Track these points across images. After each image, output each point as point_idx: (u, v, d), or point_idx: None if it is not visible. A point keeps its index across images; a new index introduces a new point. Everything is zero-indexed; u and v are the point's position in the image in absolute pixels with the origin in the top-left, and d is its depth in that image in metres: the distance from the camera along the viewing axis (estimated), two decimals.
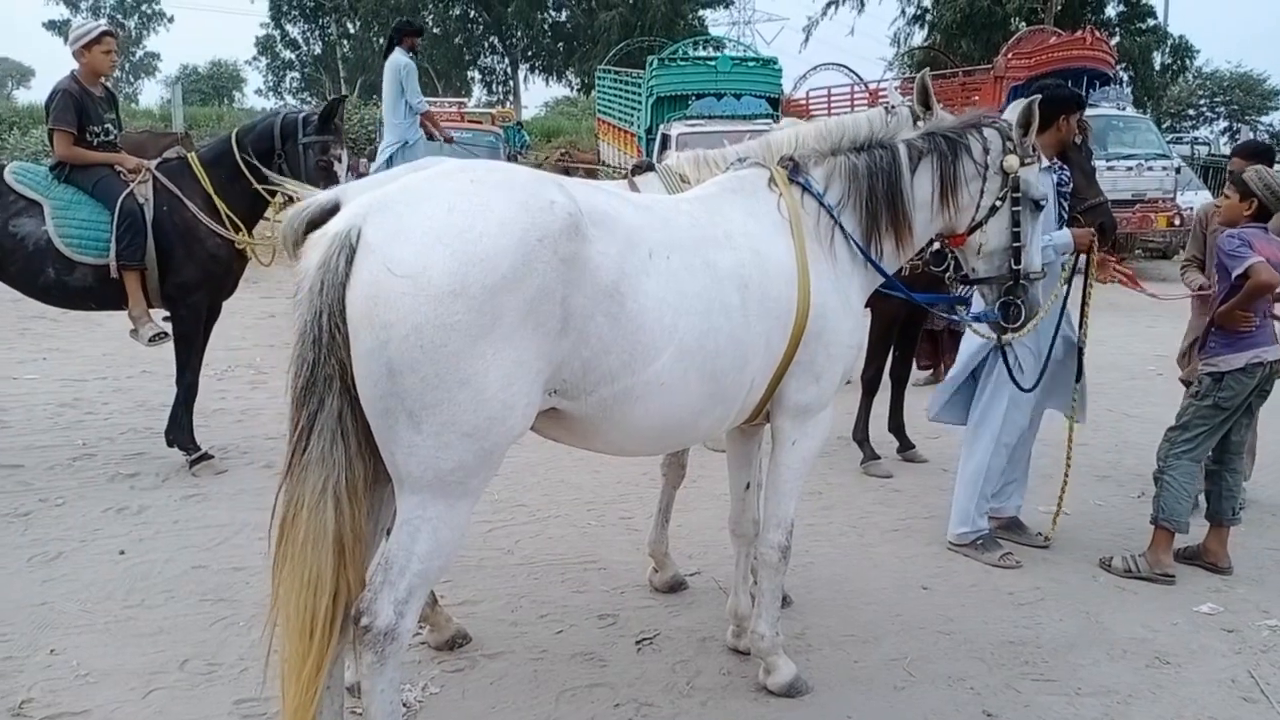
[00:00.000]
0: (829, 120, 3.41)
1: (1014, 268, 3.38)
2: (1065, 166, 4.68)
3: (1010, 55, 17.18)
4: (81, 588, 4.04)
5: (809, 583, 4.31)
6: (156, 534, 4.64)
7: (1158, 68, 31.08)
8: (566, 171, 14.32)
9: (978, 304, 3.73)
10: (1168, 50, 31.53)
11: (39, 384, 7.42)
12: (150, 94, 56.14)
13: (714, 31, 40.99)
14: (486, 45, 44.50)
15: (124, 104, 7.08)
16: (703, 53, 23.95)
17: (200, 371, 5.76)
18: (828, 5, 33.45)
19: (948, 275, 3.68)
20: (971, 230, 3.36)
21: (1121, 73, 25.41)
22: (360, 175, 8.13)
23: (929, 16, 32.02)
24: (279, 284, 9.49)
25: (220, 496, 5.16)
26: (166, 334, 5.57)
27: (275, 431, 6.27)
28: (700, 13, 41.79)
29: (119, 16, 50.67)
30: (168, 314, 5.64)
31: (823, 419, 3.26)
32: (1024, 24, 25.31)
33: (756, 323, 2.89)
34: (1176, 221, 15.60)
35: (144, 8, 54.55)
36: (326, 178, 5.30)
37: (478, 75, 45.88)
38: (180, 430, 5.61)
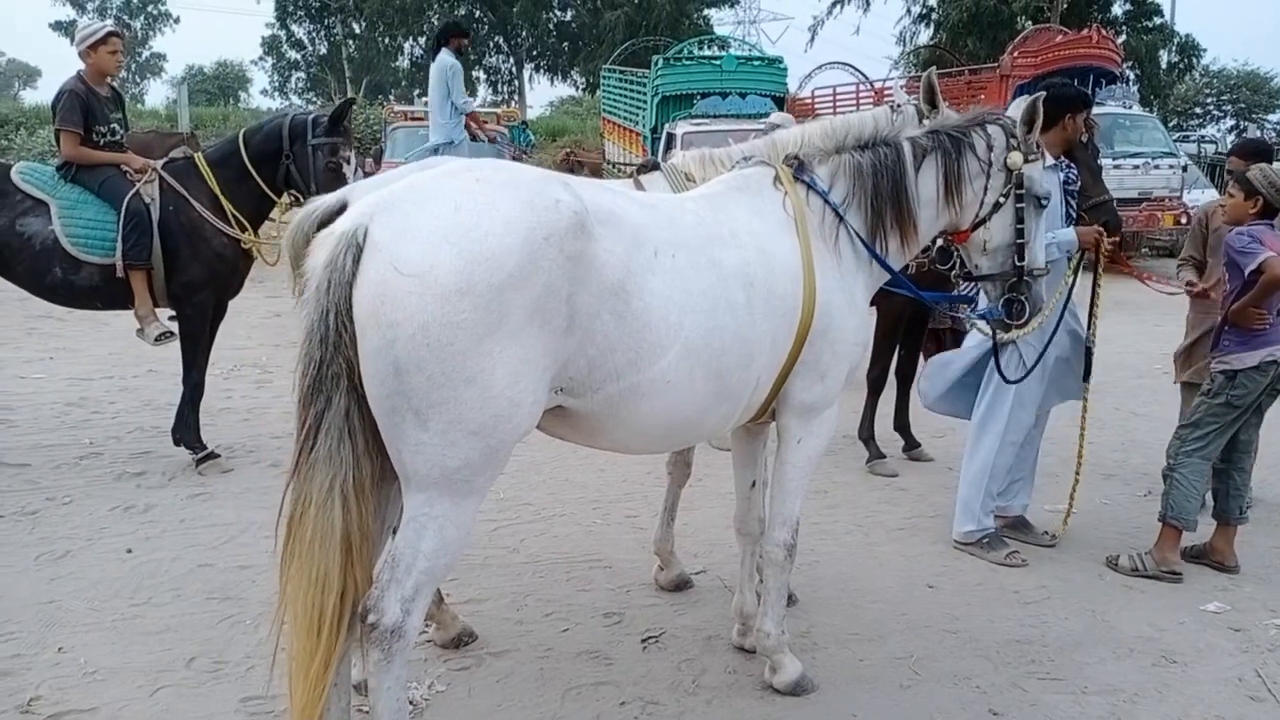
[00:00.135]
0: (834, 119, 3.41)
1: (1018, 264, 3.38)
2: (1072, 165, 4.67)
3: (1016, 54, 17.15)
4: (89, 586, 4.05)
5: (814, 581, 4.31)
6: (163, 532, 4.65)
7: (1164, 66, 31.03)
8: (572, 171, 14.34)
9: (983, 302, 3.72)
10: (1174, 48, 31.47)
11: (46, 383, 7.45)
12: (156, 94, 56.40)
13: (719, 31, 41.05)
14: (492, 45, 44.52)
15: (130, 104, 7.10)
16: (708, 52, 23.97)
17: (206, 370, 5.78)
18: (833, 4, 33.41)
19: (954, 273, 3.68)
20: (975, 227, 3.36)
21: (1128, 71, 25.35)
22: (368, 175, 8.16)
23: (935, 15, 31.99)
24: (285, 283, 9.50)
25: (226, 495, 5.17)
26: (172, 333, 5.58)
27: (281, 430, 6.28)
28: (705, 12, 41.77)
29: (125, 17, 50.81)
30: (173, 313, 5.66)
31: (828, 417, 3.26)
32: (1030, 22, 25.28)
33: (762, 321, 2.89)
34: (1183, 220, 15.53)
35: (150, 8, 54.74)
36: (335, 179, 5.32)
37: (483, 75, 45.90)
38: (187, 429, 5.63)
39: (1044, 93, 3.47)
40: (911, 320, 6.13)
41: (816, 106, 20.49)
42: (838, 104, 20.14)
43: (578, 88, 43.91)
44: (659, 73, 17.69)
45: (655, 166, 4.17)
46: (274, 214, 5.88)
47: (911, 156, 3.23)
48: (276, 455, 5.75)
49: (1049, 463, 5.34)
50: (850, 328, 3.14)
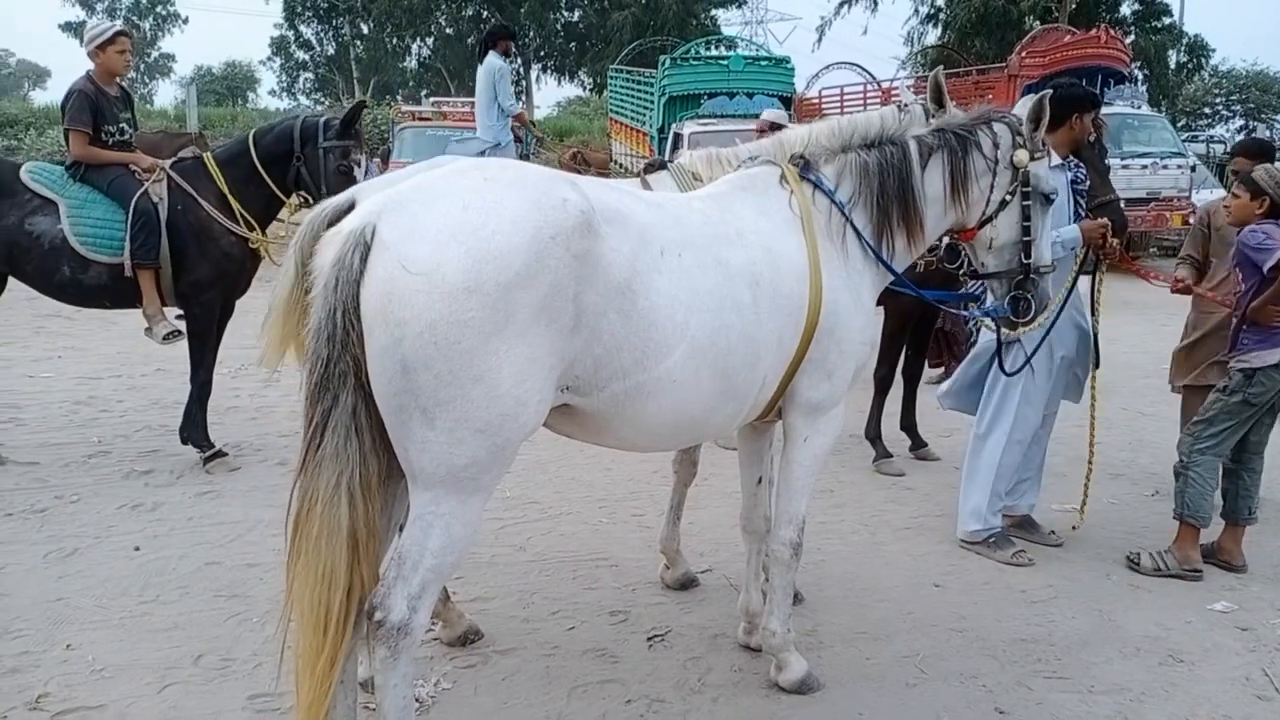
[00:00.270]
0: (841, 118, 3.41)
1: (1024, 262, 3.38)
2: (1081, 165, 4.66)
3: (1024, 54, 17.11)
4: (97, 584, 4.07)
5: (821, 580, 4.31)
6: (171, 530, 4.67)
7: (1173, 66, 30.95)
8: (578, 171, 14.33)
9: (990, 300, 3.72)
10: (1183, 48, 31.38)
11: (54, 382, 7.48)
12: (165, 95, 56.57)
13: (726, 31, 41.03)
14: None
15: (139, 105, 7.16)
16: (715, 52, 23.93)
17: (214, 369, 5.79)
18: (841, 4, 33.42)
19: (962, 272, 3.67)
20: (982, 225, 3.36)
21: (1136, 71, 25.28)
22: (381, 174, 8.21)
23: (943, 15, 31.94)
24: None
25: (234, 493, 5.19)
26: (180, 332, 5.60)
27: (288, 429, 6.30)
28: (713, 12, 41.80)
29: (134, 18, 50.96)
30: (181, 312, 5.68)
31: (835, 416, 3.26)
32: (1038, 22, 25.21)
33: (768, 320, 2.89)
34: (1191, 220, 15.51)
35: (158, 9, 54.87)
36: (346, 182, 5.32)
37: None
38: (194, 428, 5.65)
39: (1050, 90, 3.46)
40: (920, 320, 6.13)
41: (824, 107, 20.44)
42: (845, 104, 20.08)
43: (585, 88, 43.98)
44: (666, 73, 17.69)
45: (662, 166, 4.17)
46: (283, 214, 5.90)
47: (917, 155, 3.23)
48: (284, 454, 5.77)
49: (1056, 462, 5.33)
50: (857, 326, 3.14)
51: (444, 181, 2.42)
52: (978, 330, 4.92)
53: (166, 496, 5.13)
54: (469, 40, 43.16)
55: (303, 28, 47.45)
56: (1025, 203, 3.32)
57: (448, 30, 43.66)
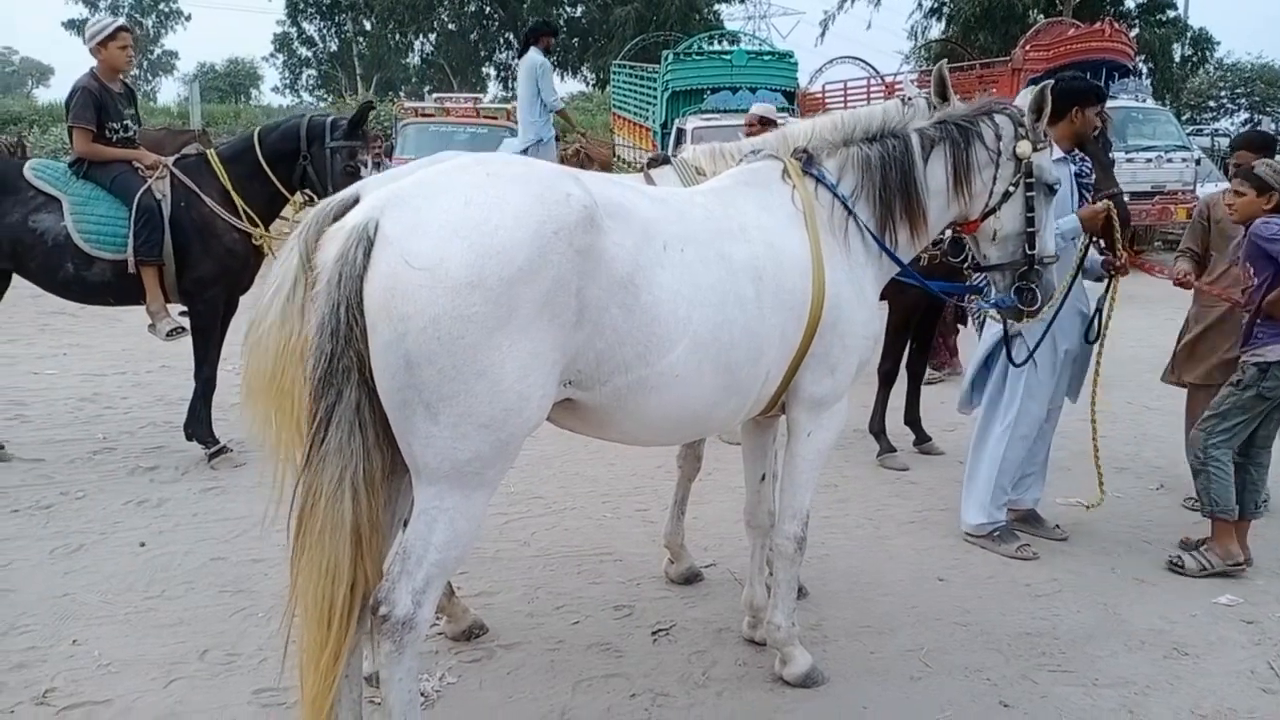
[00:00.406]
0: (844, 112, 3.40)
1: (1028, 253, 3.37)
2: (1086, 158, 4.64)
3: (1028, 47, 17.08)
4: (102, 579, 4.08)
5: (825, 574, 4.31)
6: (176, 526, 4.68)
7: (1177, 59, 30.86)
8: (581, 166, 14.32)
9: (994, 292, 3.70)
10: (1187, 42, 31.27)
11: (59, 379, 7.49)
12: (168, 92, 56.65)
13: (729, 26, 40.96)
14: (502, 41, 44.57)
15: (142, 102, 7.17)
16: (718, 47, 23.91)
17: (218, 366, 5.80)
18: None
19: (966, 266, 3.66)
20: (985, 216, 3.35)
21: (1141, 64, 25.21)
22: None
23: (946, 9, 31.87)
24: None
25: (239, 489, 5.19)
26: (184, 329, 5.61)
27: None
28: (716, 7, 41.77)
29: (137, 15, 50.99)
30: (185, 309, 5.69)
31: (838, 410, 3.26)
32: (1042, 16, 25.14)
33: (771, 315, 2.89)
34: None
35: (161, 6, 54.93)
36: (352, 182, 5.33)
37: (493, 71, 45.98)
38: (199, 424, 5.66)
39: (1051, 81, 3.45)
40: (924, 314, 6.12)
41: (827, 101, 20.42)
42: (848, 99, 20.06)
43: (588, 84, 43.94)
44: (669, 68, 17.67)
45: (666, 160, 4.17)
46: (286, 211, 5.90)
47: (920, 147, 3.22)
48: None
49: (1060, 456, 5.32)
50: (860, 321, 3.14)
51: (446, 177, 2.43)
52: (982, 323, 4.90)
53: (171, 492, 5.14)
54: (471, 36, 43.22)
55: (305, 24, 47.52)
56: (1029, 194, 3.31)
57: (450, 26, 43.68)
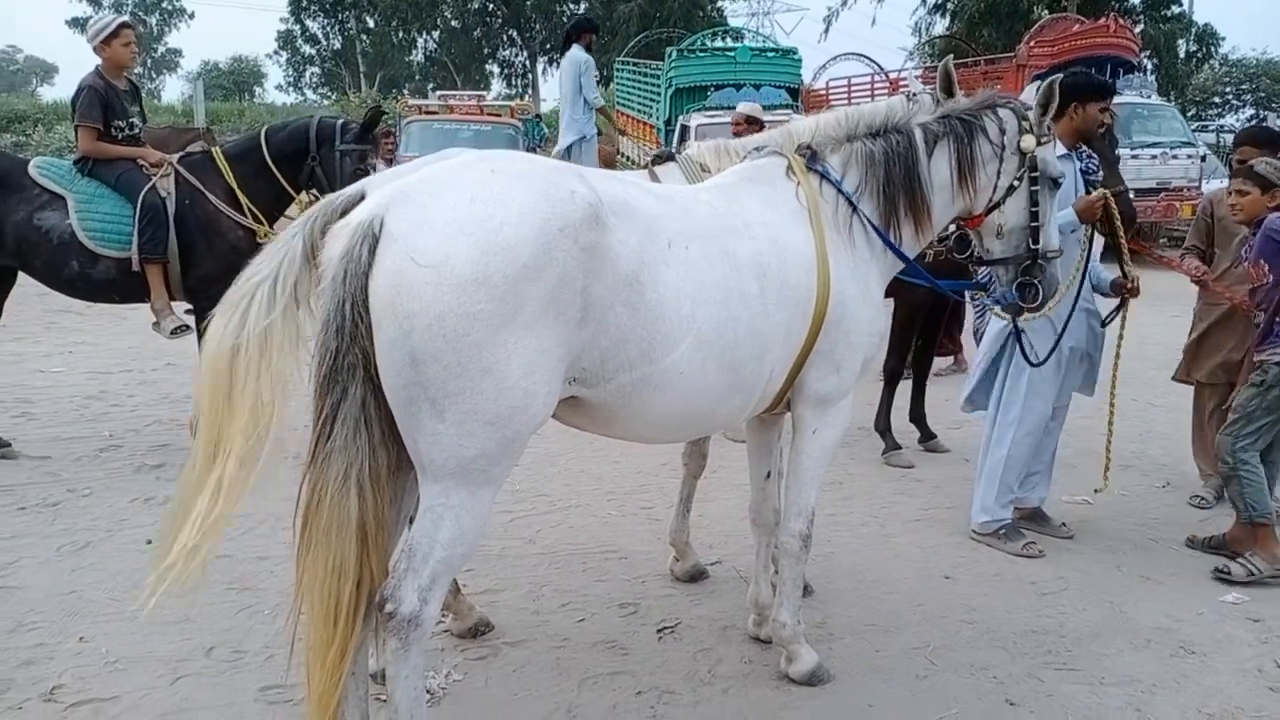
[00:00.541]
0: (848, 108, 3.39)
1: (1032, 247, 3.36)
2: (1093, 155, 4.62)
3: (1033, 43, 17.07)
4: (109, 577, 4.08)
5: (830, 572, 4.30)
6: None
7: (1182, 55, 30.77)
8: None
9: (997, 287, 3.69)
10: (1192, 37, 31.20)
11: (65, 377, 7.51)
12: (172, 90, 56.79)
13: (733, 22, 40.96)
14: (505, 38, 44.60)
15: (146, 100, 7.17)
16: (721, 44, 23.91)
17: None
18: None
19: (971, 262, 3.65)
20: (989, 211, 3.34)
21: (1146, 61, 25.15)
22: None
23: (950, 5, 31.81)
24: None
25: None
26: (189, 326, 5.62)
27: (297, 423, 6.30)
28: (719, 3, 41.73)
29: (140, 13, 51.06)
30: (190, 307, 5.69)
31: (843, 408, 3.26)
32: (1047, 12, 25.09)
33: (776, 312, 2.88)
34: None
35: (165, 4, 55.02)
36: None
37: (496, 69, 46.01)
38: None
39: (1060, 75, 3.44)
40: (929, 312, 6.11)
41: (831, 98, 20.41)
42: (852, 95, 20.07)
43: None
44: (673, 65, 17.68)
45: (670, 158, 4.17)
46: (292, 210, 5.91)
47: (923, 142, 3.21)
48: (293, 447, 5.77)
49: (1066, 454, 5.31)
50: (865, 318, 3.13)
51: (451, 174, 2.42)
52: (986, 320, 4.89)
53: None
54: (474, 33, 43.21)
55: (309, 22, 47.56)
56: (1033, 188, 3.31)
57: (453, 23, 43.70)
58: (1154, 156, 15.56)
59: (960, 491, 5.19)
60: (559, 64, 10.70)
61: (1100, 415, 4.82)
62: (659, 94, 18.25)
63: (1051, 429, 4.79)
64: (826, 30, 35.38)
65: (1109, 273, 4.62)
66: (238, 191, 5.57)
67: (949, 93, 3.31)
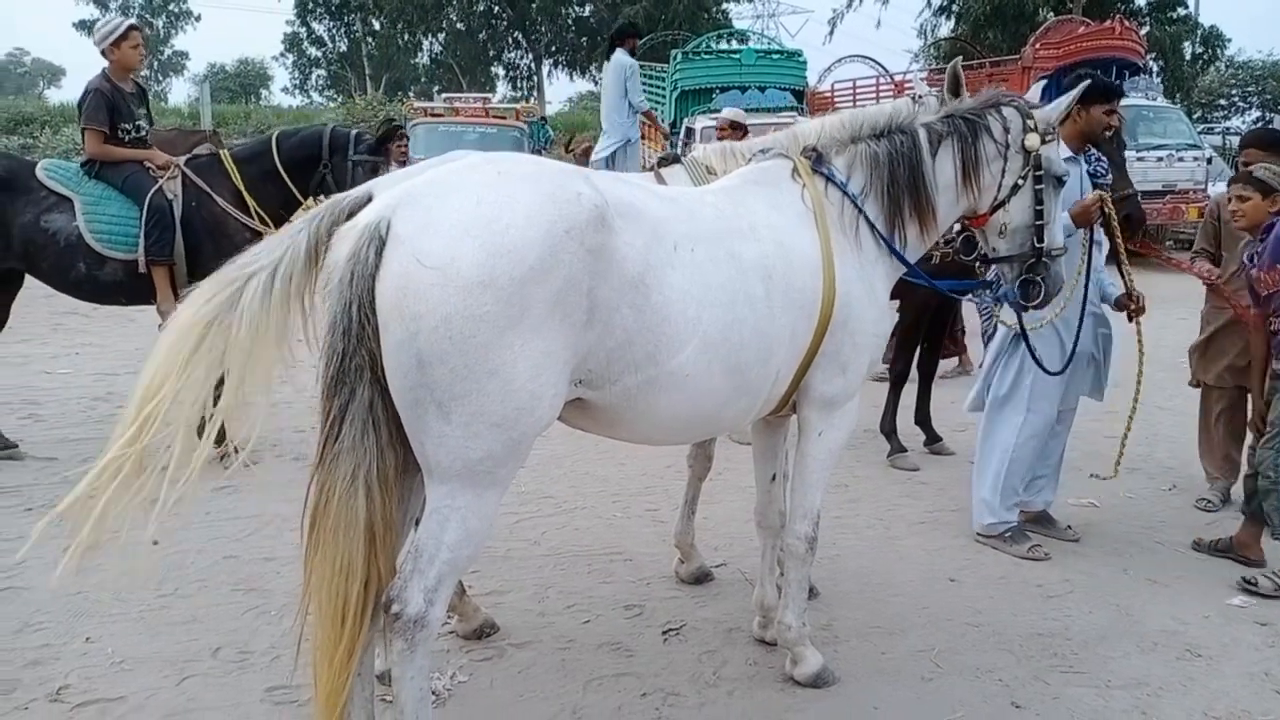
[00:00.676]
0: (853, 110, 3.40)
1: (1037, 245, 3.36)
2: (1102, 158, 4.60)
3: (1038, 46, 17.05)
4: (115, 577, 4.08)
5: (835, 575, 4.30)
6: (188, 525, 4.69)
7: (1188, 58, 30.74)
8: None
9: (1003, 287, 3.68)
10: (1198, 40, 31.15)
11: (72, 378, 7.53)
12: (179, 92, 57.00)
13: (738, 24, 40.94)
14: (510, 41, 44.64)
15: (153, 103, 7.21)
16: (727, 46, 23.90)
17: None
18: None
19: (978, 265, 3.64)
20: (994, 210, 3.34)
21: (1151, 63, 25.12)
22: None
23: (956, 7, 31.81)
24: None
25: (250, 489, 5.19)
26: None
27: (303, 425, 6.31)
28: (724, 6, 41.76)
29: (147, 15, 51.19)
30: None
31: (849, 410, 3.25)
32: (1052, 14, 25.08)
33: (781, 314, 2.88)
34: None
35: (171, 6, 55.17)
36: None
37: (502, 71, 46.06)
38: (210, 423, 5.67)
39: (1076, 74, 3.43)
40: (935, 314, 6.10)
41: (836, 100, 20.40)
42: (858, 97, 20.05)
43: (596, 83, 43.94)
44: (678, 67, 17.70)
45: (676, 160, 4.17)
46: (298, 215, 5.93)
47: (927, 143, 3.21)
48: (299, 449, 5.79)
49: (1072, 456, 5.29)
50: (870, 319, 3.13)
51: (458, 176, 2.43)
52: (990, 335, 4.88)
53: (183, 491, 5.14)
54: (480, 36, 43.26)
55: (315, 24, 47.68)
56: (1037, 186, 3.31)
57: (459, 26, 43.73)
58: (1160, 159, 15.54)
59: (966, 494, 5.17)
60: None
61: (1108, 419, 4.81)
62: (664, 96, 18.26)
63: (1058, 432, 4.78)
64: (831, 32, 35.54)
65: (1115, 288, 4.61)
66: (245, 194, 5.58)
67: (957, 94, 3.31)
